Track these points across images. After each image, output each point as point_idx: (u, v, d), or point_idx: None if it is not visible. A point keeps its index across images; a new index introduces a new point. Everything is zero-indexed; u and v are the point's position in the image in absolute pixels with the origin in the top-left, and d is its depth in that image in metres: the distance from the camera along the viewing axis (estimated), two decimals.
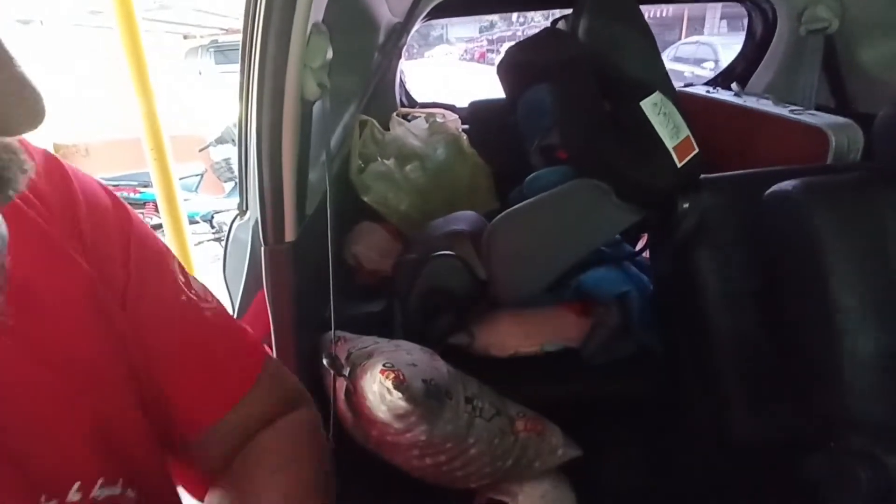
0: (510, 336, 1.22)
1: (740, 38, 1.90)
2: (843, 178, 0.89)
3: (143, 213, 3.75)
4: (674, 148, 1.06)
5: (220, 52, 8.22)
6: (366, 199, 1.37)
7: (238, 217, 0.88)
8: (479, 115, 1.65)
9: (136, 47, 1.78)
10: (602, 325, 1.21)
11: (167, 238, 2.11)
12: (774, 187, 1.03)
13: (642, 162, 1.05)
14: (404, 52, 1.81)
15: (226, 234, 0.89)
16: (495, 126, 1.59)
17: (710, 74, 2.29)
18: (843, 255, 0.81)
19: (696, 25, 14.54)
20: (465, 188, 1.48)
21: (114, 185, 3.69)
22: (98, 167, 4.28)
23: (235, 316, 0.95)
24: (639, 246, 1.41)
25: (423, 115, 1.55)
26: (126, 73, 1.82)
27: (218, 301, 0.46)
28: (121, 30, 1.73)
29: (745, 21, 1.83)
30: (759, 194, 1.07)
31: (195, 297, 0.43)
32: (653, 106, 1.05)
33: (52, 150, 0.39)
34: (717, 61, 8.44)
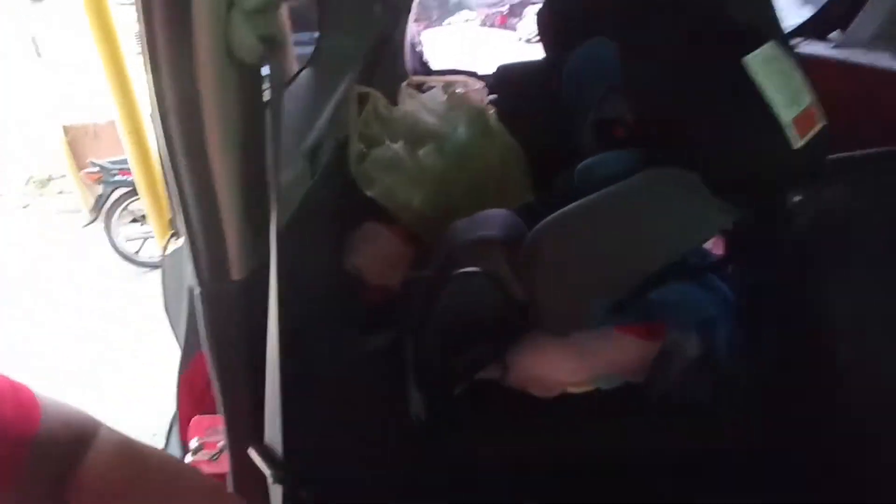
0: (555, 369, 0.95)
1: None
2: None
3: None
4: (793, 120, 0.75)
5: None
6: (369, 193, 1.09)
7: (173, 238, 0.61)
8: (509, 83, 1.34)
9: (108, 30, 1.55)
10: (676, 353, 0.92)
11: (151, 223, 1.94)
12: None
13: (748, 141, 0.75)
14: (419, 17, 1.50)
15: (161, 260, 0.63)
16: (530, 95, 1.28)
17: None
18: None
19: None
20: (494, 176, 1.19)
21: (120, 168, 3.52)
22: (107, 149, 4.15)
23: (179, 367, 0.70)
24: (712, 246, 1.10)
25: (440, 85, 1.25)
26: (99, 54, 1.59)
27: None
28: (89, 12, 1.50)
29: None
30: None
31: None
32: (764, 62, 0.74)
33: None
34: None
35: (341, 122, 1.07)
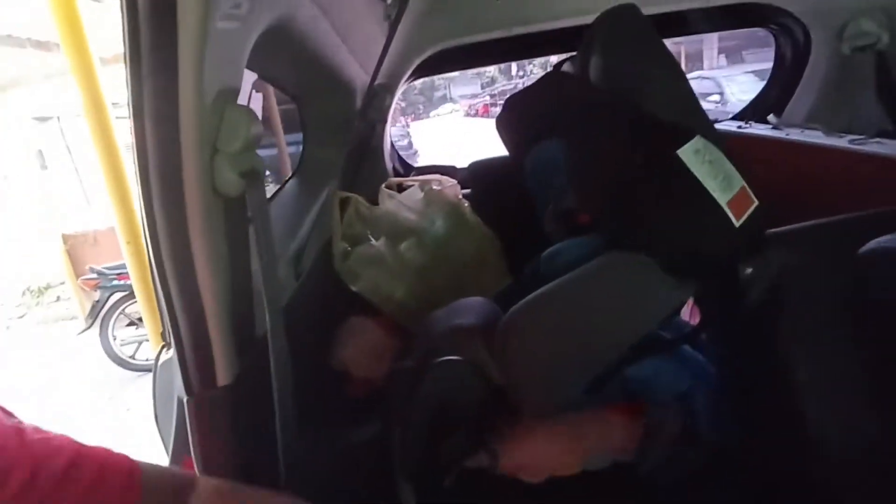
0: (543, 453, 0.96)
1: (741, 68, 1.71)
2: None
3: None
4: (727, 203, 0.83)
5: None
6: (354, 288, 1.15)
7: (164, 349, 0.66)
8: (480, 177, 1.45)
9: (110, 143, 1.69)
10: (660, 430, 0.94)
11: (147, 329, 1.98)
12: (876, 243, 0.79)
13: (690, 225, 0.82)
14: (406, 111, 1.64)
15: (153, 370, 0.67)
16: (500, 188, 1.38)
17: (718, 108, 2.07)
18: None
19: (695, 61, 14.62)
20: (472, 264, 1.26)
21: (118, 273, 3.60)
22: (106, 255, 4.25)
23: None
24: (685, 311, 1.15)
25: (418, 184, 1.36)
26: (101, 166, 1.72)
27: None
28: (89, 120, 1.63)
29: (744, 54, 1.64)
30: (846, 247, 0.84)
31: None
32: (694, 154, 0.83)
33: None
34: (721, 93, 8.35)
35: (325, 225, 1.15)
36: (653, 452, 0.94)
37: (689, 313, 1.16)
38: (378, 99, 1.24)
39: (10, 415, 0.45)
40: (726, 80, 8.54)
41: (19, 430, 0.43)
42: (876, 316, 0.79)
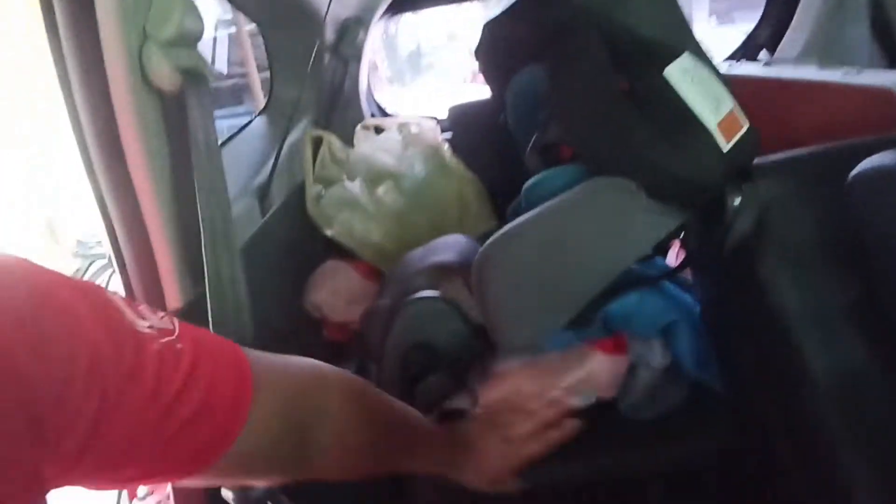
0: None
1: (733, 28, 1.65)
2: None
3: None
4: (717, 125, 0.78)
5: None
6: (329, 233, 1.10)
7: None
8: (461, 121, 1.39)
9: None
10: (643, 365, 0.92)
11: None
12: (865, 163, 0.75)
13: (676, 148, 0.78)
14: (393, 79, 1.56)
15: None
16: (482, 130, 1.33)
17: None
18: None
19: None
20: (454, 208, 1.21)
21: (98, 241, 3.52)
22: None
23: None
24: (671, 256, 1.13)
25: (396, 126, 1.30)
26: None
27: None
28: None
29: (735, 14, 1.58)
30: (836, 177, 0.80)
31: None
32: (682, 73, 0.78)
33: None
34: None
35: (295, 166, 1.09)
36: (636, 388, 0.92)
37: (674, 258, 1.13)
38: (350, 34, 1.17)
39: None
40: (717, 40, 8.40)
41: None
42: (866, 243, 0.76)
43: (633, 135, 0.78)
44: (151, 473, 0.38)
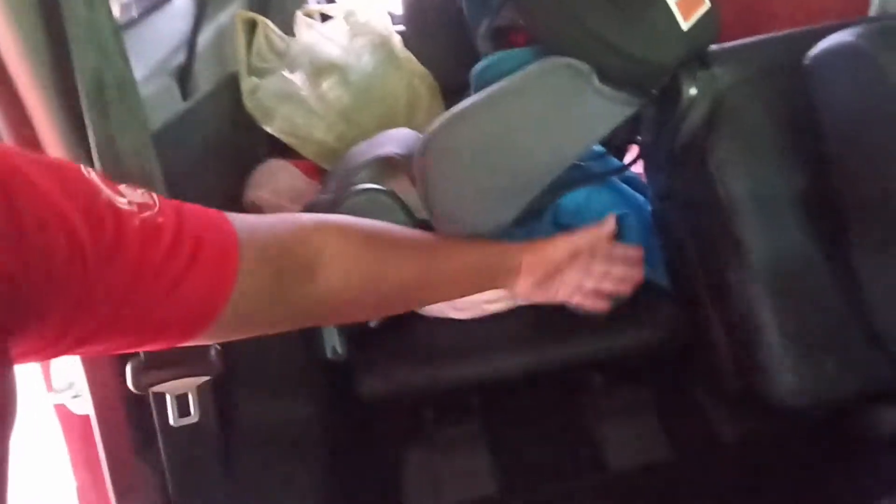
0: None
1: None
2: None
3: None
4: (677, 2, 0.73)
5: None
6: (269, 129, 1.02)
7: None
8: (417, 11, 1.28)
9: None
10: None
11: None
12: (826, 41, 0.72)
13: (633, 24, 0.72)
14: None
15: None
16: (436, 21, 1.23)
17: None
18: None
19: None
20: (403, 104, 1.14)
21: None
22: None
23: None
24: (628, 158, 1.10)
25: (342, 14, 1.18)
26: None
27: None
28: None
29: None
30: (795, 65, 0.77)
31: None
32: None
33: None
34: None
35: (226, 52, 0.99)
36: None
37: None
38: None
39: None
40: None
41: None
42: (821, 125, 0.74)
43: (585, 10, 0.72)
44: (144, 340, 0.39)
